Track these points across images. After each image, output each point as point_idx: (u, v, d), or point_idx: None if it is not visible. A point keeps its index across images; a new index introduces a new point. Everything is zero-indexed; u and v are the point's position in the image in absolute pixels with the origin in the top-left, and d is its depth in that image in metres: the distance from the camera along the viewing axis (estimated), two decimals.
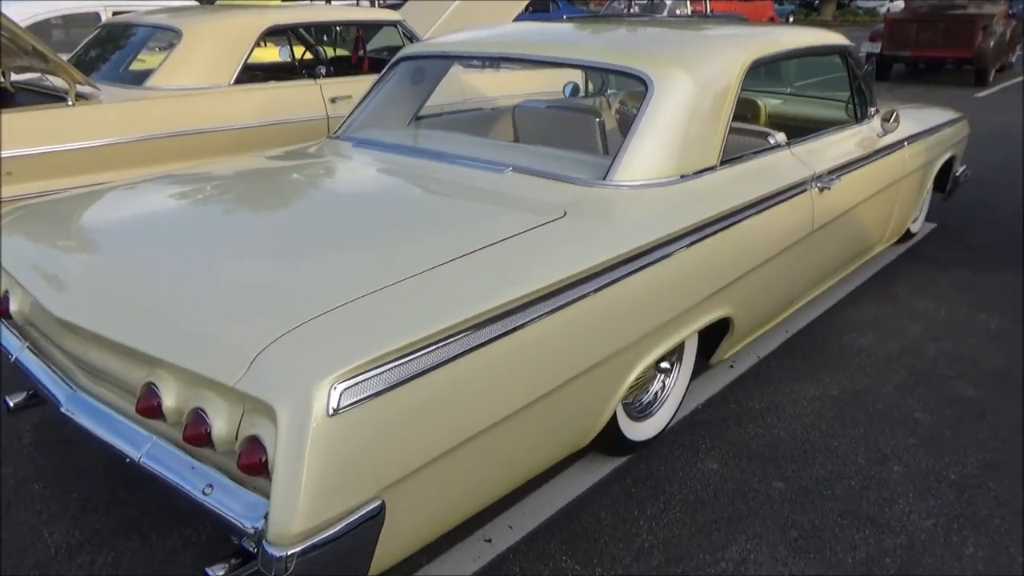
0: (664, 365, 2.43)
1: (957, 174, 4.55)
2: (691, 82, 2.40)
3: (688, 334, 2.32)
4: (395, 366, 1.45)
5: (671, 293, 2.17)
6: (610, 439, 2.28)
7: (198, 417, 1.49)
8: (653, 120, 2.33)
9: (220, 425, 1.48)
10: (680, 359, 2.53)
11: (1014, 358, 3.10)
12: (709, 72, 2.48)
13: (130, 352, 1.64)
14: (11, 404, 2.29)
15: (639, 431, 2.40)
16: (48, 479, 2.33)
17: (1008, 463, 2.42)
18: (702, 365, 2.70)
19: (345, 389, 1.38)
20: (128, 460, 1.82)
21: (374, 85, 3.13)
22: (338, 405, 1.36)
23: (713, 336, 2.57)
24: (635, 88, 3.71)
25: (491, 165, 2.41)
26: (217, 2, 9.41)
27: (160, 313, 1.66)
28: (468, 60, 3.75)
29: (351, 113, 3.05)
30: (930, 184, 4.22)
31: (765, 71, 3.02)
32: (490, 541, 2.07)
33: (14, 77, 4.54)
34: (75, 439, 2.52)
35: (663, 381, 2.51)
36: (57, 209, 2.34)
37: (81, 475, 2.35)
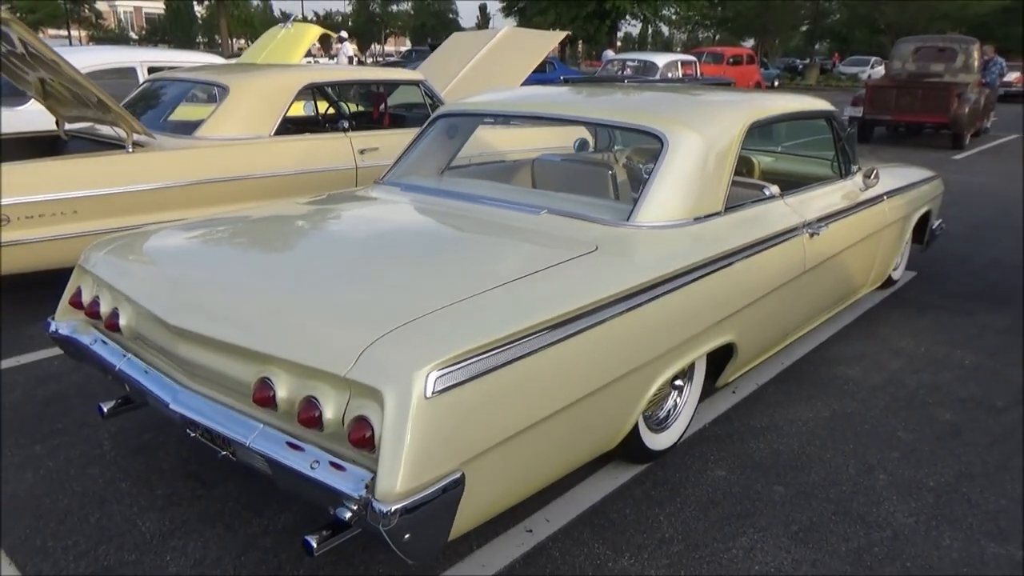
0: (678, 383, 2.77)
1: (934, 227, 4.99)
2: (700, 140, 2.80)
3: (698, 355, 2.66)
4: (475, 361, 1.79)
5: (685, 318, 2.52)
6: (633, 446, 2.60)
7: (310, 403, 1.82)
8: (668, 172, 2.72)
9: (329, 409, 1.80)
10: (691, 379, 2.86)
11: (986, 388, 3.46)
12: (715, 132, 2.88)
13: (244, 352, 1.96)
14: (105, 410, 2.61)
15: (657, 441, 2.72)
16: (133, 479, 2.62)
17: (980, 474, 2.75)
18: (709, 389, 3.04)
19: (438, 377, 1.71)
20: (222, 454, 2.14)
21: (415, 139, 3.52)
22: (434, 389, 1.70)
23: (719, 361, 2.92)
24: (642, 145, 4.14)
25: (528, 207, 2.79)
26: (241, 58, 9.95)
27: (271, 320, 2.00)
28: (499, 118, 4.14)
29: (395, 162, 3.43)
30: (909, 235, 4.64)
31: (759, 132, 3.44)
32: (531, 531, 2.37)
33: (67, 126, 4.94)
34: (152, 445, 2.82)
35: (676, 399, 2.85)
36: (149, 239, 2.69)
37: (162, 475, 2.64)
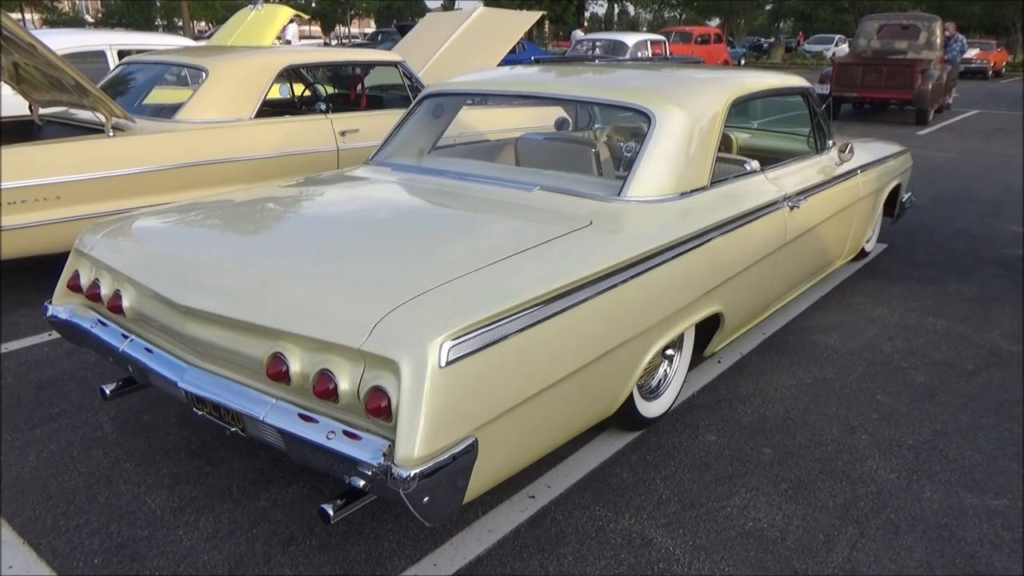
0: (669, 352, 2.86)
1: (903, 200, 5.14)
2: (686, 117, 2.87)
3: (688, 325, 2.75)
4: (485, 331, 1.85)
5: (677, 289, 2.61)
6: (628, 414, 2.69)
7: (325, 376, 1.87)
8: (656, 148, 2.79)
9: (344, 381, 1.85)
10: (681, 348, 2.96)
11: (957, 352, 3.62)
12: (700, 108, 2.96)
13: (256, 329, 2.00)
14: (107, 392, 2.62)
15: (650, 409, 2.81)
16: (137, 459, 2.65)
17: (955, 431, 2.90)
18: (696, 359, 3.14)
19: (451, 347, 1.77)
20: (231, 431, 2.19)
21: (403, 119, 3.54)
22: (447, 359, 1.76)
23: (707, 331, 3.02)
24: (621, 123, 4.20)
25: (520, 184, 2.85)
26: (210, 40, 9.80)
27: (281, 296, 2.03)
28: (478, 98, 4.18)
29: (384, 142, 3.46)
30: (880, 208, 4.79)
31: (735, 109, 3.53)
32: (533, 497, 2.46)
33: (41, 111, 4.86)
34: (152, 426, 2.85)
35: (667, 368, 2.94)
36: (147, 220, 2.70)
37: (166, 455, 2.67)
